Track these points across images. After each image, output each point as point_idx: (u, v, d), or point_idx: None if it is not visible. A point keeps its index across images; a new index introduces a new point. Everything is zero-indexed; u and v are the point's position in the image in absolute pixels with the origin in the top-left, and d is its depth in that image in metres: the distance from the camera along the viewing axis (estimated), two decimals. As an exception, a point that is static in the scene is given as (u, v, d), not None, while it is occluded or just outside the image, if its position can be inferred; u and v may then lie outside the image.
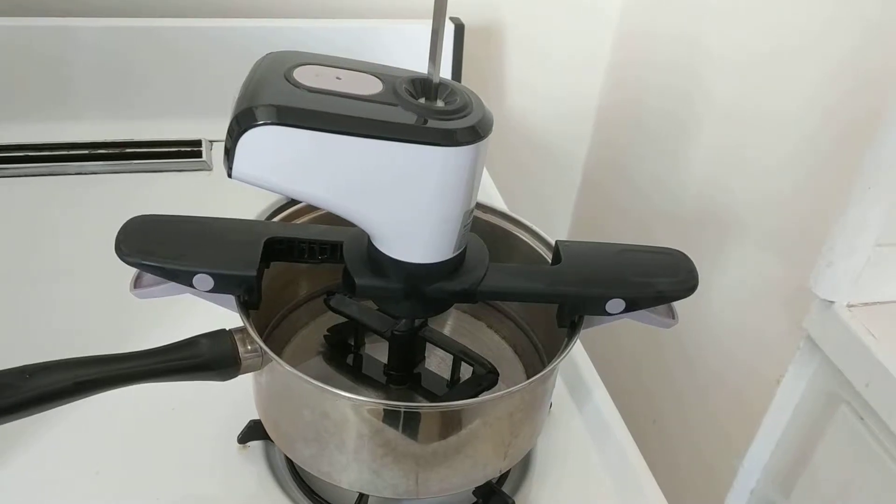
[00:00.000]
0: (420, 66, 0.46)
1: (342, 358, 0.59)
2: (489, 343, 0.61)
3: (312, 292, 0.61)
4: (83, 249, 0.72)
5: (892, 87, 0.63)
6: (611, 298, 0.50)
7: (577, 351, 0.68)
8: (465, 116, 0.43)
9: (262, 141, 0.42)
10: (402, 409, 0.47)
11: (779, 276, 0.80)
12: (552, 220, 1.23)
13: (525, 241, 0.58)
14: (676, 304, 0.53)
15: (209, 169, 0.85)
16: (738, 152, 0.85)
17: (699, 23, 0.91)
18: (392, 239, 0.47)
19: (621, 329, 1.16)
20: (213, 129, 0.88)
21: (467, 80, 1.00)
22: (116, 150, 0.85)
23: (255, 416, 0.56)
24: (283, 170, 0.43)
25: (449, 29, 0.93)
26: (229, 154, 0.42)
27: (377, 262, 0.48)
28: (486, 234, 0.56)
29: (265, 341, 0.51)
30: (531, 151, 1.13)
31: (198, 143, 0.87)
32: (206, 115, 0.88)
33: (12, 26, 0.83)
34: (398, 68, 0.46)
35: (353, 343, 0.59)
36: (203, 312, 0.51)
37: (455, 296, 0.50)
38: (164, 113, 0.89)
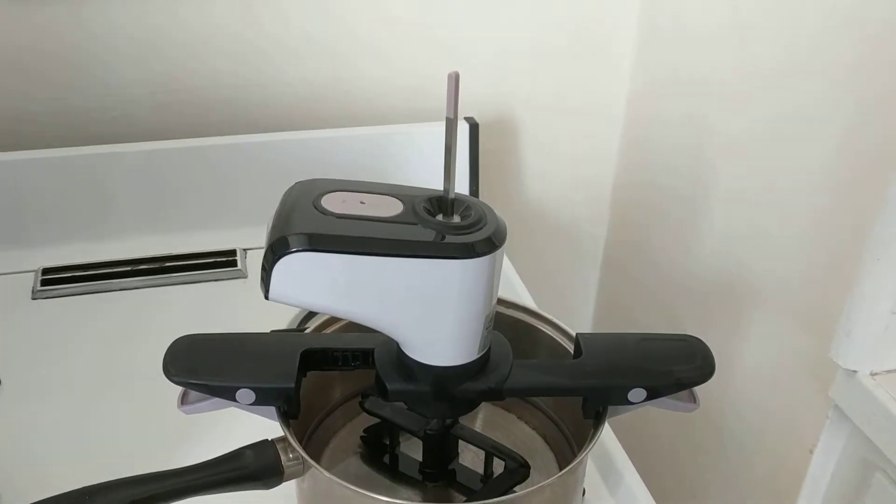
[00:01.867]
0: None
1: (379, 458, 0.62)
2: (520, 435, 0.63)
3: (347, 395, 0.64)
4: (130, 363, 0.76)
5: (893, 161, 0.66)
6: (632, 388, 0.52)
7: (608, 436, 0.70)
8: (480, 229, 0.47)
9: (296, 266, 0.45)
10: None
11: (803, 348, 0.81)
12: (575, 303, 1.26)
13: (547, 334, 0.61)
14: (698, 388, 0.55)
15: (244, 276, 0.89)
16: (752, 228, 0.88)
17: (704, 106, 0.95)
18: (419, 345, 0.50)
19: (651, 413, 1.17)
20: (246, 238, 0.93)
21: (485, 172, 1.04)
22: (156, 265, 0.90)
23: (301, 522, 0.58)
24: (315, 290, 0.47)
25: (464, 128, 0.98)
26: (266, 279, 0.46)
27: (406, 366, 0.51)
28: (510, 328, 0.58)
29: (304, 446, 0.54)
30: (550, 236, 1.17)
31: (233, 252, 0.91)
32: (240, 226, 0.93)
33: (55, 157, 0.89)
34: (417, 188, 0.50)
35: (388, 442, 0.61)
36: (244, 423, 0.53)
37: (482, 395, 0.52)
38: (199, 226, 0.94)
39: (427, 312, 0.48)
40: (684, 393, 0.54)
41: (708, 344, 0.56)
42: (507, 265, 0.96)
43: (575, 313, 1.27)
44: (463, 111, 1.02)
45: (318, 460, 0.61)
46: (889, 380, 0.72)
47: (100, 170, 0.90)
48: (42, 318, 0.83)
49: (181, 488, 0.48)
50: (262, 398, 0.52)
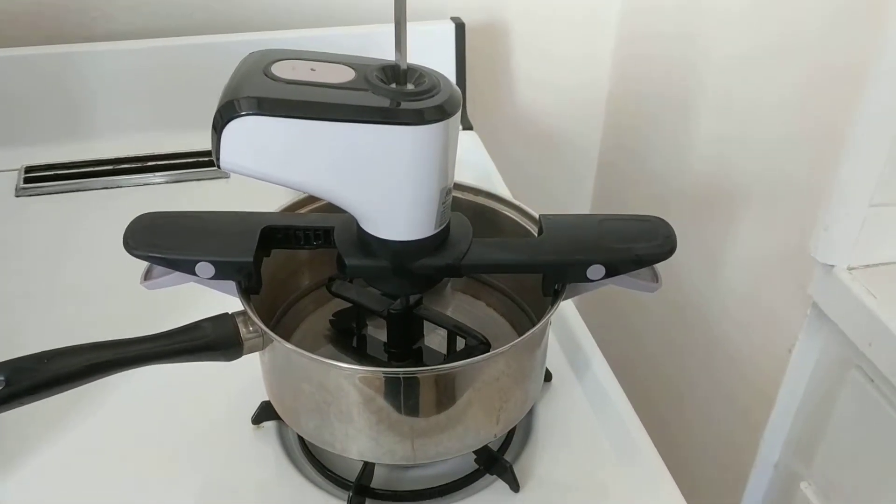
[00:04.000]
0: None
1: (347, 341, 0.62)
2: (486, 319, 0.64)
3: (316, 281, 0.64)
4: (108, 254, 0.77)
5: (873, 55, 0.64)
6: (591, 265, 0.52)
7: (577, 324, 0.70)
8: (433, 97, 0.46)
9: (245, 131, 0.45)
10: (384, 376, 0.50)
11: (786, 246, 0.81)
12: (568, 208, 1.25)
13: (511, 218, 0.60)
14: (659, 267, 0.54)
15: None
16: (740, 133, 0.86)
17: (697, 21, 0.93)
18: (375, 219, 0.50)
19: (635, 311, 1.17)
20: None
21: (475, 78, 1.02)
22: (139, 164, 0.90)
23: (267, 398, 0.59)
24: (266, 157, 0.47)
25: (449, 28, 0.96)
26: (215, 144, 0.46)
27: (365, 242, 0.51)
28: (475, 214, 0.58)
29: (272, 330, 0.55)
30: (543, 143, 1.16)
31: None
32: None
33: (38, 55, 0.89)
34: (370, 58, 0.49)
35: (356, 325, 0.62)
36: (211, 302, 0.54)
37: (440, 271, 0.52)
38: (182, 125, 0.93)
39: (379, 183, 0.47)
40: (646, 272, 0.54)
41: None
42: (486, 161, 0.95)
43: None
44: (453, 14, 1.00)
45: (297, 327, 0.62)
46: (866, 275, 0.71)
47: (82, 69, 0.90)
48: (25, 215, 0.84)
49: (138, 355, 0.49)
50: (222, 272, 0.52)
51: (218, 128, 0.45)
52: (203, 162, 0.91)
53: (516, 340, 0.50)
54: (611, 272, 0.53)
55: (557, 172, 1.20)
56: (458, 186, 0.60)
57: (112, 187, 0.88)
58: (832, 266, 0.72)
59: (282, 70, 0.47)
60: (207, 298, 0.54)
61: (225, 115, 0.45)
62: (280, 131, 0.45)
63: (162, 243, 0.53)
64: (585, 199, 1.25)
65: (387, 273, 0.52)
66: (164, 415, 0.63)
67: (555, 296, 0.53)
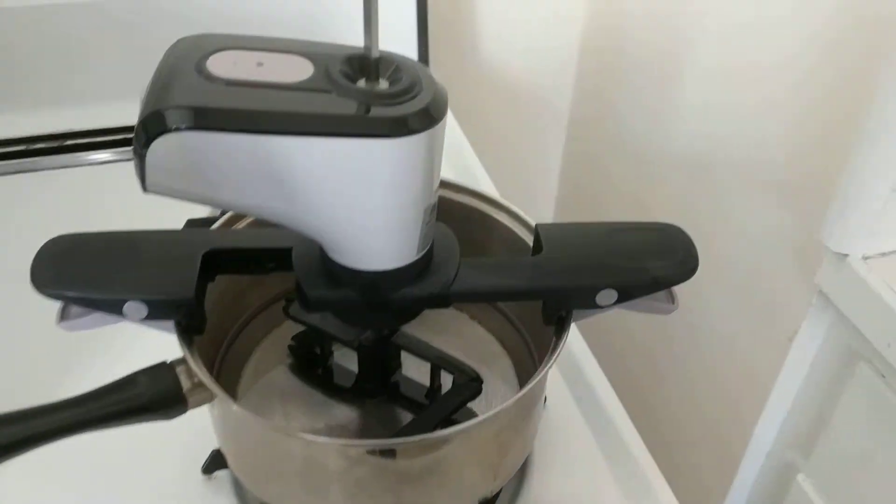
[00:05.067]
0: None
1: (311, 368, 0.53)
2: (472, 338, 0.55)
3: (270, 298, 0.55)
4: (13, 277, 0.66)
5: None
6: (601, 289, 0.44)
7: (574, 338, 0.62)
8: (413, 98, 0.37)
9: (176, 150, 0.35)
10: (366, 449, 0.41)
11: (787, 231, 0.74)
12: (535, 183, 1.17)
13: (503, 224, 0.52)
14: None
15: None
16: (732, 104, 0.78)
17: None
18: (344, 247, 0.41)
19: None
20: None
21: (437, 37, 0.92)
22: (57, 143, 0.78)
23: (217, 445, 0.50)
24: (205, 181, 0.37)
25: (410, -17, 0.85)
26: (139, 166, 0.36)
27: (332, 271, 0.42)
28: (460, 217, 0.50)
29: (223, 358, 0.46)
30: (510, 108, 1.06)
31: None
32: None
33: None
34: (331, 44, 0.39)
35: (320, 353, 0.53)
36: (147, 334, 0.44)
37: (423, 302, 0.44)
38: (108, 96, 0.81)
39: (350, 206, 0.38)
40: (661, 292, 0.46)
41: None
42: (462, 141, 0.86)
43: (536, 194, 1.18)
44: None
45: (238, 376, 0.53)
46: (882, 264, 0.65)
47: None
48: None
49: (59, 427, 0.40)
50: (157, 312, 0.43)
51: (141, 146, 0.35)
52: (125, 140, 0.79)
53: (518, 395, 0.41)
54: (624, 297, 0.44)
55: (527, 134, 1.11)
56: (441, 183, 0.51)
57: (26, 171, 0.76)
58: (846, 255, 0.65)
59: (220, 65, 0.37)
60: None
61: (150, 129, 0.35)
62: (222, 149, 0.35)
63: (80, 278, 0.43)
64: (552, 176, 1.16)
65: (359, 307, 0.43)
66: (105, 469, 0.53)
67: (558, 326, 0.45)
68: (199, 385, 0.42)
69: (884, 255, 0.65)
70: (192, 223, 0.60)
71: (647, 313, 0.47)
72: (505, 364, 0.54)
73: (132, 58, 0.79)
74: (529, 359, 0.52)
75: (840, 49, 0.63)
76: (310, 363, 0.53)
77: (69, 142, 0.78)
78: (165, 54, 0.38)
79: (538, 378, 0.41)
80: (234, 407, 0.40)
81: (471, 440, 0.42)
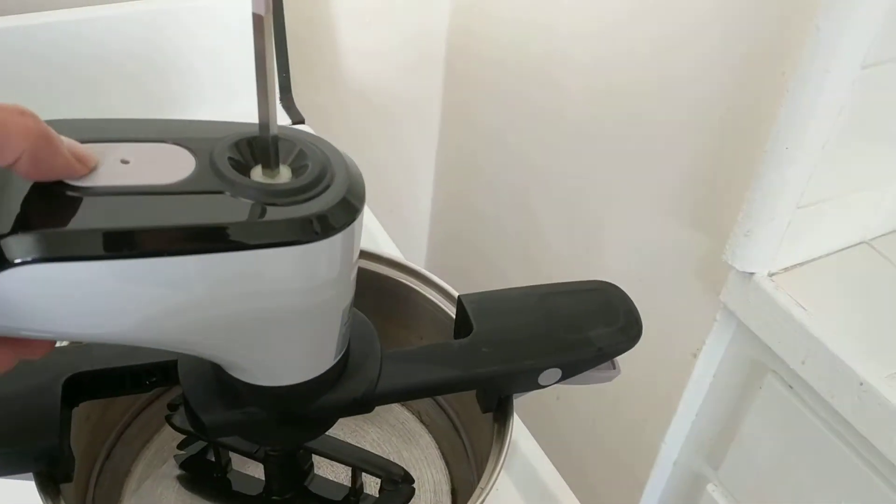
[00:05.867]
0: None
1: (206, 477, 0.45)
2: (392, 420, 0.49)
3: (144, 401, 0.47)
4: None
5: (803, 32, 0.54)
6: (544, 370, 0.39)
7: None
8: (326, 188, 0.30)
9: (22, 285, 0.27)
10: None
11: (685, 247, 0.72)
12: (407, 199, 1.11)
13: (420, 293, 0.46)
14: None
15: None
16: (622, 115, 0.75)
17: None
18: (248, 366, 0.33)
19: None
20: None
21: (295, 62, 0.83)
22: None
23: None
24: (61, 314, 0.28)
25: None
26: (-28, 308, 0.27)
27: (230, 388, 0.35)
28: (369, 288, 0.43)
29: (98, 481, 0.37)
30: (378, 123, 0.99)
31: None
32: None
33: None
34: (208, 122, 0.32)
35: (215, 461, 0.45)
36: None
37: (344, 410, 0.37)
38: None
39: (256, 325, 0.31)
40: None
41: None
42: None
43: (409, 211, 1.12)
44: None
45: (126, 475, 0.45)
46: (787, 279, 0.64)
47: None
48: None
49: None
50: (9, 467, 0.34)
51: (-29, 285, 0.26)
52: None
53: None
54: (568, 373, 0.40)
55: (393, 158, 1.05)
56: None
57: None
58: (752, 273, 0.63)
59: (71, 167, 0.28)
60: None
61: (-18, 264, 0.26)
62: (86, 279, 0.27)
63: None
64: (427, 172, 1.10)
65: (267, 426, 0.36)
66: None
67: (499, 411, 0.40)
68: (76, 547, 0.34)
69: (787, 269, 0.64)
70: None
71: (587, 384, 0.42)
72: (430, 449, 0.48)
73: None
74: (456, 436, 0.47)
75: (745, 63, 0.61)
76: (203, 473, 0.45)
77: None
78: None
79: (483, 496, 0.36)
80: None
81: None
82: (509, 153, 0.94)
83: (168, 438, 0.47)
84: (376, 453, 0.43)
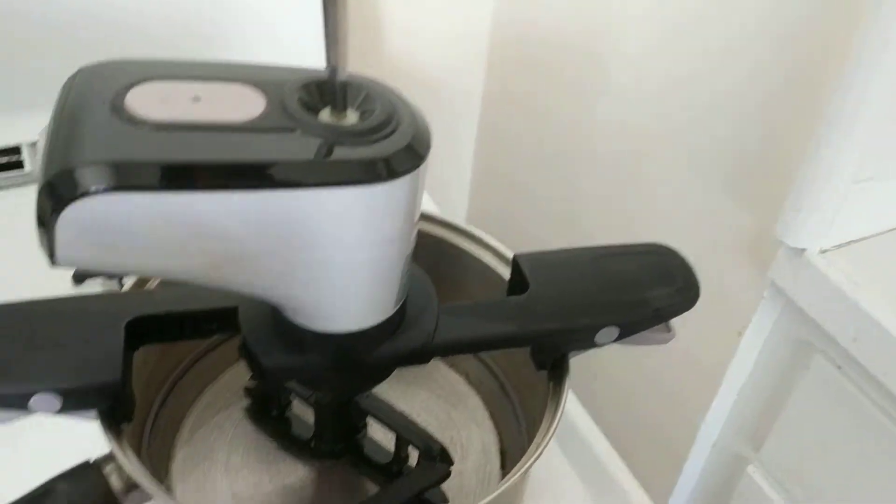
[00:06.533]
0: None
1: (267, 414, 0.46)
2: (441, 382, 0.49)
3: (203, 347, 0.47)
4: None
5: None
6: (601, 328, 0.39)
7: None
8: (392, 132, 0.30)
9: (94, 215, 0.27)
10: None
11: (733, 222, 0.71)
12: (448, 177, 1.11)
13: (473, 255, 0.45)
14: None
15: (36, 182, 0.67)
16: (670, 85, 0.74)
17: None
18: (311, 310, 0.34)
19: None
20: (33, 128, 0.69)
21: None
22: None
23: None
24: (133, 247, 0.29)
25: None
26: (47, 238, 0.28)
27: (290, 333, 0.35)
28: (423, 248, 0.43)
29: (151, 428, 0.38)
30: (420, 99, 0.99)
31: (15, 150, 0.68)
32: (23, 109, 0.69)
33: None
34: (283, 68, 0.32)
35: (278, 399, 0.46)
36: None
37: (401, 360, 0.37)
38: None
39: (314, 265, 0.31)
40: (659, 323, 0.41)
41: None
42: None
43: (449, 184, 1.12)
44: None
45: (180, 422, 0.45)
46: (840, 256, 0.63)
47: None
48: None
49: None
50: (74, 402, 0.34)
51: (48, 214, 0.27)
52: None
53: (509, 481, 0.35)
54: (625, 333, 0.39)
55: (438, 126, 1.04)
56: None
57: None
58: (803, 250, 0.62)
59: (144, 102, 0.29)
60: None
61: (59, 194, 0.26)
62: (153, 211, 0.28)
63: (-32, 368, 0.34)
64: (468, 150, 1.10)
65: (325, 372, 0.36)
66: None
67: (554, 370, 0.40)
68: (135, 486, 0.34)
69: (839, 246, 0.63)
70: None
71: (643, 345, 0.42)
72: (479, 412, 0.48)
73: None
74: (506, 399, 0.47)
75: (798, 33, 0.60)
76: (266, 409, 0.46)
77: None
78: (64, 89, 0.30)
79: (529, 463, 0.35)
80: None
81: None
82: (553, 126, 0.93)
83: (221, 389, 0.48)
84: (426, 416, 0.44)
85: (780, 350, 0.71)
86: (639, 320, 0.39)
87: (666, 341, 0.42)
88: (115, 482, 0.34)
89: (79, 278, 0.56)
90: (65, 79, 0.30)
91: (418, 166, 0.30)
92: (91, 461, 0.35)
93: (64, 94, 0.29)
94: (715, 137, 0.70)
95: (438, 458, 0.40)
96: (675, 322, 0.40)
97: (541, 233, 1.01)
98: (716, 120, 0.69)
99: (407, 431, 0.41)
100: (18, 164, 0.67)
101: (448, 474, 0.41)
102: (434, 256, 0.45)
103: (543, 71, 0.92)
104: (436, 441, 0.41)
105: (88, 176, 0.26)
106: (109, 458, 0.35)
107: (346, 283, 0.32)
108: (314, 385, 0.39)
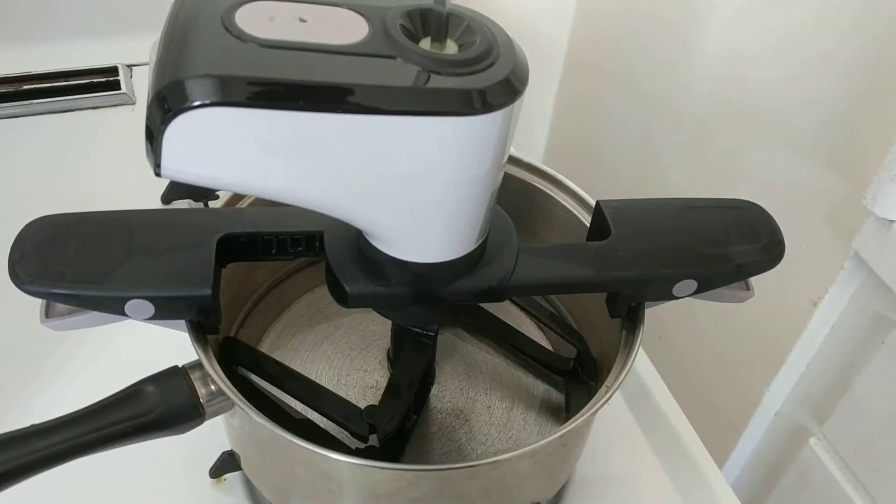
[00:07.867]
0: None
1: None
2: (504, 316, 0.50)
3: (280, 273, 0.49)
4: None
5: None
6: (680, 280, 0.38)
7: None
8: (491, 65, 0.30)
9: (201, 127, 0.28)
10: (405, 472, 0.35)
11: (818, 190, 0.69)
12: (528, 122, 1.10)
13: (555, 199, 0.45)
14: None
15: (132, 102, 0.69)
16: (763, 47, 0.72)
17: None
18: (397, 237, 0.34)
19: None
20: (130, 51, 0.71)
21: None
22: (11, 88, 0.68)
23: (228, 447, 0.44)
24: (234, 164, 0.30)
25: None
26: (154, 147, 0.29)
27: (374, 261, 0.36)
28: (506, 189, 0.43)
29: (243, 323, 0.40)
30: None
31: (113, 70, 0.70)
32: (121, 32, 0.71)
33: None
34: (384, -6, 0.32)
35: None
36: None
37: (478, 296, 0.38)
38: (67, 35, 0.71)
39: (406, 193, 0.32)
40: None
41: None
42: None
43: (526, 138, 1.11)
44: None
45: (256, 344, 0.47)
46: (931, 230, 0.61)
47: None
48: None
49: (55, 453, 0.33)
50: (166, 310, 0.36)
51: (158, 124, 0.28)
52: (98, 84, 0.70)
53: (580, 419, 0.35)
54: (703, 287, 0.39)
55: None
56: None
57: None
58: (892, 221, 0.61)
59: (253, 20, 0.29)
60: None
61: (170, 104, 0.27)
62: (257, 127, 0.28)
63: (70, 270, 0.35)
64: (548, 104, 1.09)
65: (404, 302, 0.37)
66: (100, 471, 0.46)
67: (629, 319, 0.40)
68: (218, 393, 0.36)
69: (932, 220, 0.61)
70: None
71: (719, 302, 0.42)
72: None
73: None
74: (575, 338, 0.47)
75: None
76: None
77: (26, 86, 0.69)
78: (176, 3, 0.31)
79: (604, 399, 0.36)
80: (259, 420, 0.34)
81: (525, 462, 0.37)
82: (632, 93, 0.91)
83: (297, 315, 0.49)
84: (494, 358, 0.44)
85: (855, 323, 0.70)
86: (719, 275, 0.39)
87: (743, 300, 0.42)
88: (200, 389, 0.36)
89: (167, 199, 0.58)
90: (151, 3, 0.31)
91: (514, 101, 0.30)
92: (179, 366, 0.37)
93: (176, 8, 0.30)
94: (805, 100, 0.67)
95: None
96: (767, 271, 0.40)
97: (620, 185, 0.99)
98: (806, 83, 0.67)
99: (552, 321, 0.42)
100: (116, 85, 0.69)
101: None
102: (516, 198, 0.45)
103: (626, 39, 0.90)
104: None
105: (199, 88, 0.27)
106: (197, 365, 0.36)
107: (432, 213, 0.33)
108: (391, 314, 0.39)
